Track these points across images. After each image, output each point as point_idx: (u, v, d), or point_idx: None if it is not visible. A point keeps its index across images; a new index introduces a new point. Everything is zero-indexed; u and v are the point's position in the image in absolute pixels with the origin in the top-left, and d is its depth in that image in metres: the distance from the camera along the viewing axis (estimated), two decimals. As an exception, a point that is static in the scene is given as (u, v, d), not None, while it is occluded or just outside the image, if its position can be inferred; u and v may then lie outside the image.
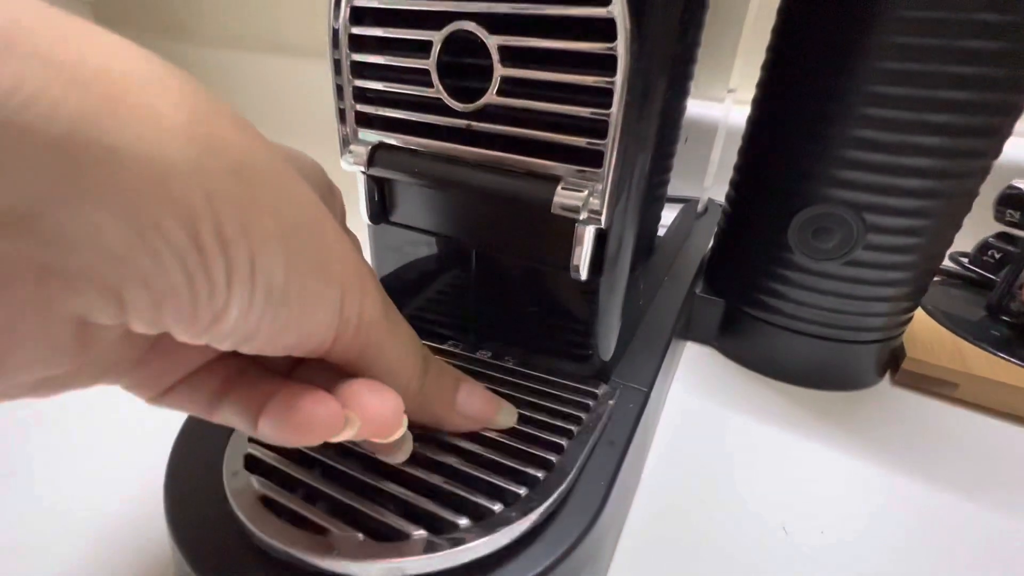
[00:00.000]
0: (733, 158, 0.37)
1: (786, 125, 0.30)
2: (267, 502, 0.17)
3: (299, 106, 0.94)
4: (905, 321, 0.33)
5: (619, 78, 0.17)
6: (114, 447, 0.26)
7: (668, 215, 0.31)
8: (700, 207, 0.50)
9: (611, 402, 0.23)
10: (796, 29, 0.30)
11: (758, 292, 0.34)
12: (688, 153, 0.30)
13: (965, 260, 0.42)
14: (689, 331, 0.38)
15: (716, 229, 0.39)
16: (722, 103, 0.45)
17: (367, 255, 0.28)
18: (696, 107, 0.28)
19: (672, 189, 0.28)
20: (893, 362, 0.35)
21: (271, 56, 0.96)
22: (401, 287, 0.28)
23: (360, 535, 0.16)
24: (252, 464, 0.18)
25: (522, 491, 0.18)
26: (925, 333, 0.36)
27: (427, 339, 0.26)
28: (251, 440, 0.19)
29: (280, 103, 0.96)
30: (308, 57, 0.92)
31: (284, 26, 0.95)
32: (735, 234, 0.36)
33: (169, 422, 0.20)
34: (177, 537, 0.16)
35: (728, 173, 0.46)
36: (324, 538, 0.16)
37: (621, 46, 0.16)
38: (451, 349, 0.26)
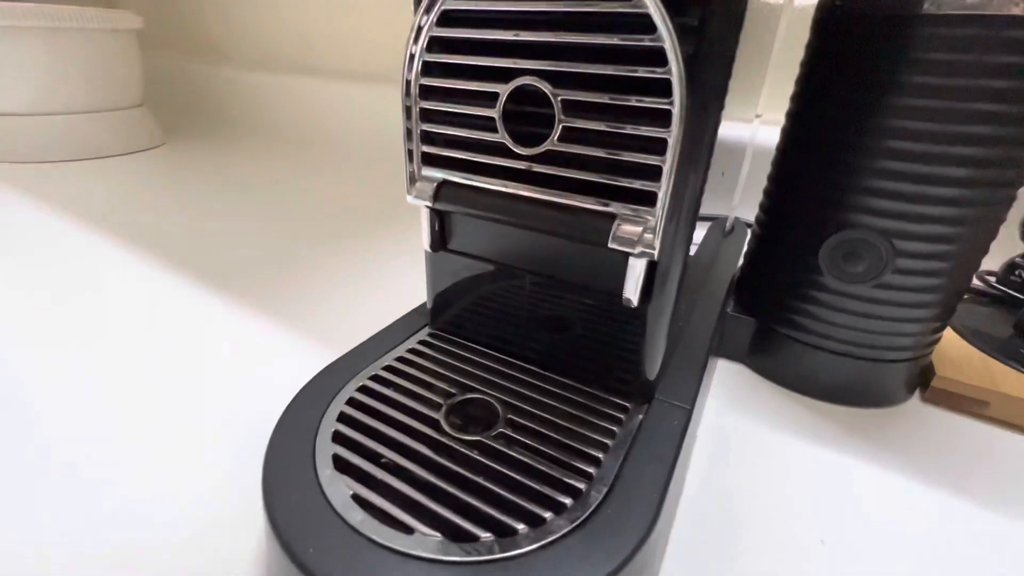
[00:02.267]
0: (758, 175, 0.39)
1: (815, 155, 0.32)
2: (357, 499, 0.19)
3: (328, 124, 0.98)
4: (934, 340, 0.34)
5: (673, 129, 0.19)
6: (203, 450, 0.28)
7: (698, 233, 0.33)
8: (728, 225, 0.51)
9: (640, 417, 0.25)
10: (824, 64, 0.31)
11: (789, 312, 0.35)
12: (716, 178, 0.32)
13: (992, 279, 0.43)
14: (721, 348, 0.40)
15: (746, 249, 0.41)
16: (750, 124, 0.46)
17: (424, 279, 0.30)
18: (725, 129, 0.29)
19: (702, 209, 0.30)
20: (922, 380, 0.36)
21: (302, 77, 1.00)
22: (456, 306, 0.30)
23: (439, 535, 0.18)
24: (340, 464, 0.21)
25: (567, 501, 0.20)
26: (954, 351, 0.37)
27: (480, 348, 0.29)
28: (334, 441, 0.22)
29: (309, 122, 1.00)
30: (336, 79, 0.95)
31: (314, 50, 0.99)
32: (766, 256, 0.37)
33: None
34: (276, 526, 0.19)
35: (752, 191, 0.47)
36: (411, 536, 0.18)
37: (676, 102, 0.18)
38: (497, 354, 0.28)
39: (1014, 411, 0.33)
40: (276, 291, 0.46)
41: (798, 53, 0.34)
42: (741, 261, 0.43)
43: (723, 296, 0.39)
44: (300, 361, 0.37)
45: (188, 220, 0.62)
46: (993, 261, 0.42)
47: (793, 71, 0.34)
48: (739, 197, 0.52)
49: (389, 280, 0.50)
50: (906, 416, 0.34)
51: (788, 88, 0.35)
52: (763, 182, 0.38)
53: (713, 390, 0.36)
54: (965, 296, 0.44)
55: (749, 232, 0.53)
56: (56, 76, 0.80)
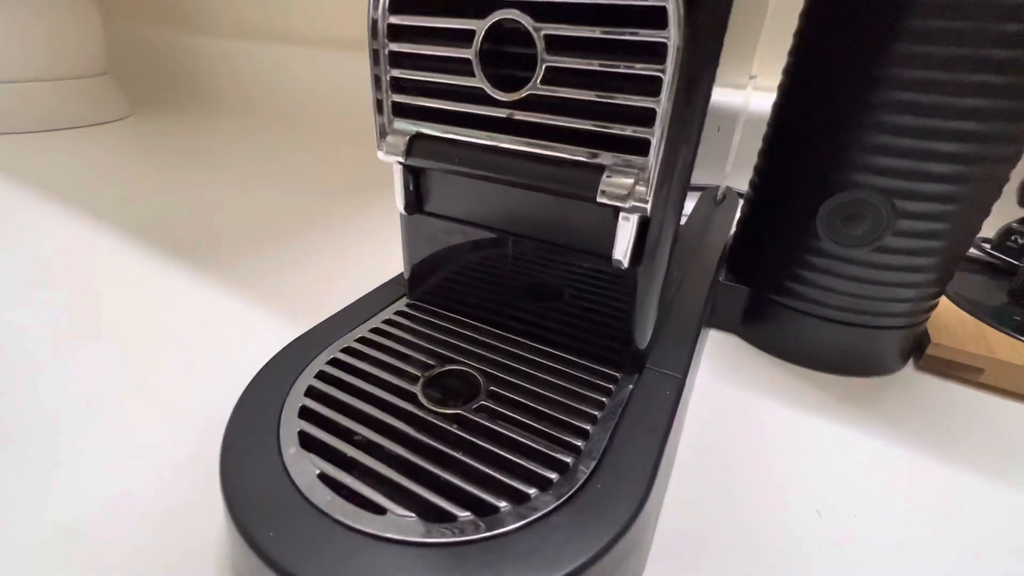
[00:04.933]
0: (751, 144, 0.37)
1: (814, 110, 0.30)
2: (325, 479, 0.18)
3: (304, 94, 0.93)
4: (931, 307, 0.33)
5: (669, 66, 0.17)
6: (163, 431, 0.26)
7: (688, 203, 0.31)
8: (719, 195, 0.50)
9: (631, 387, 0.23)
10: (824, 13, 0.29)
11: (783, 279, 0.34)
12: (709, 140, 0.30)
13: (987, 245, 0.42)
14: (712, 319, 0.38)
15: (739, 216, 0.39)
16: (744, 89, 0.44)
17: (399, 244, 0.28)
18: (718, 94, 0.28)
19: (693, 177, 0.28)
20: (917, 348, 0.35)
21: (274, 45, 0.95)
22: (436, 274, 0.28)
23: (414, 515, 0.17)
24: (307, 442, 0.19)
25: (553, 476, 0.18)
26: (948, 319, 0.36)
27: (460, 318, 0.27)
28: (300, 417, 0.20)
29: (285, 91, 0.95)
30: (313, 46, 0.91)
31: (287, 16, 0.94)
32: (760, 221, 0.36)
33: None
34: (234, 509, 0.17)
35: (744, 160, 0.46)
36: (383, 517, 0.17)
37: (673, 34, 0.16)
38: (479, 324, 0.27)
39: (1009, 378, 0.32)
40: (249, 265, 0.44)
41: (792, 17, 0.32)
42: (733, 229, 0.41)
43: (715, 265, 0.37)
44: (272, 334, 0.35)
45: (157, 194, 0.59)
46: (988, 228, 0.41)
47: (787, 35, 0.32)
48: (731, 166, 0.51)
49: (369, 251, 0.47)
50: (901, 384, 0.34)
51: (783, 51, 0.33)
52: (756, 152, 0.36)
53: (705, 361, 0.35)
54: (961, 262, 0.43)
55: (741, 201, 0.52)
56: (9, 42, 0.75)
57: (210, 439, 0.26)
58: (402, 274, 0.30)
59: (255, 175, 0.67)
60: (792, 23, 0.32)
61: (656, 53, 0.17)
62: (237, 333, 0.35)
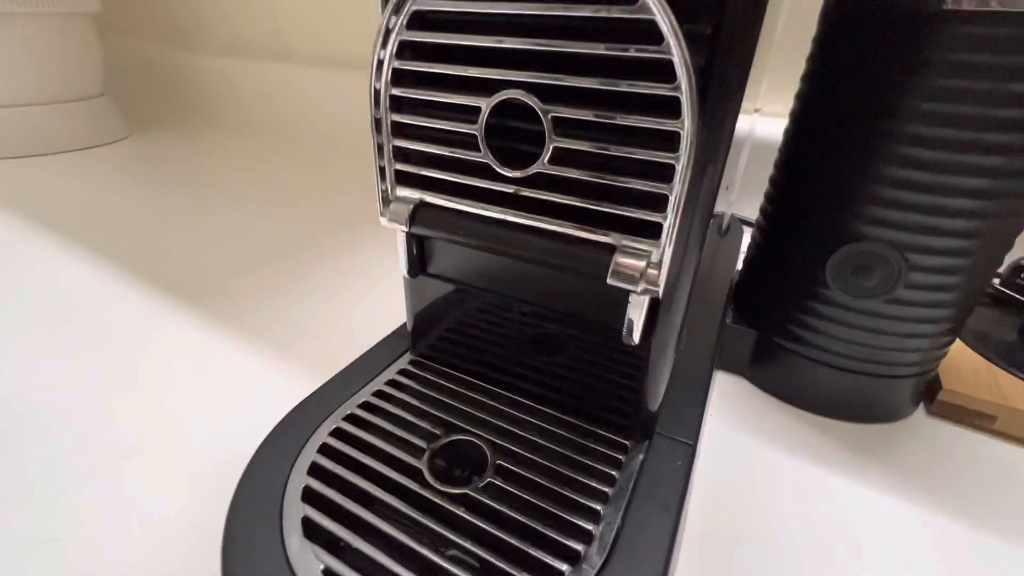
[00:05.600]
0: (752, 168, 0.36)
1: (824, 161, 0.30)
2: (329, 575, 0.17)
3: (304, 114, 0.93)
4: (942, 355, 0.33)
5: (682, 154, 0.16)
6: (168, 511, 0.26)
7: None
8: (724, 225, 0.49)
9: (641, 457, 0.23)
10: (835, 60, 0.29)
11: (792, 324, 0.33)
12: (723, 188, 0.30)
13: (996, 281, 0.42)
14: (720, 360, 0.38)
15: (746, 256, 0.39)
16: (749, 115, 0.44)
17: (403, 305, 0.27)
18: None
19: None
20: (928, 392, 0.35)
21: (276, 64, 0.95)
22: (439, 332, 0.27)
23: None
24: (311, 529, 0.19)
25: (565, 568, 0.18)
26: (960, 360, 0.36)
27: (465, 377, 0.27)
28: (304, 500, 0.20)
29: (285, 112, 0.95)
30: (313, 65, 0.91)
31: (287, 34, 0.94)
32: (768, 265, 0.35)
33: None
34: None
35: (747, 186, 0.45)
36: None
37: (686, 123, 0.16)
38: (484, 385, 0.26)
39: (1022, 425, 0.32)
40: (250, 301, 0.43)
41: (797, 36, 0.31)
42: (740, 266, 0.41)
43: (722, 306, 0.37)
44: (274, 386, 0.34)
45: (155, 219, 0.59)
46: (997, 262, 0.41)
47: (791, 55, 0.32)
48: (736, 194, 0.50)
49: (373, 285, 0.47)
50: (911, 431, 0.33)
51: (785, 75, 0.32)
52: (759, 176, 0.36)
53: (712, 405, 0.34)
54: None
55: (746, 231, 0.52)
56: (6, 66, 0.75)
57: (208, 514, 0.25)
58: (404, 325, 0.30)
59: (257, 199, 0.66)
60: (796, 48, 0.31)
61: (669, 140, 0.16)
62: (238, 384, 0.34)
